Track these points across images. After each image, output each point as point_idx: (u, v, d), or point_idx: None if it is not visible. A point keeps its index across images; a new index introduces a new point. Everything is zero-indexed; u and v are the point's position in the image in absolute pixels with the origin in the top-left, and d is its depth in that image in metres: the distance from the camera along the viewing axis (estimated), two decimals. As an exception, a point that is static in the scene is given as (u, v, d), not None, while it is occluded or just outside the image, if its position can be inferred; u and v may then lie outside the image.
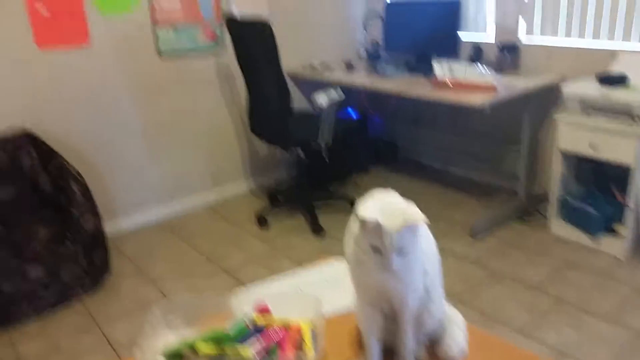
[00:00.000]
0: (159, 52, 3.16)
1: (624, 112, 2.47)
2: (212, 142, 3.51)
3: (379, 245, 0.91)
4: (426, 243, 1.03)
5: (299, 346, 1.13)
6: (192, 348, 1.11)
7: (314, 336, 1.14)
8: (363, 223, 0.92)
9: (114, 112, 3.07)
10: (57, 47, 2.81)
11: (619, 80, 2.52)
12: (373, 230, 0.91)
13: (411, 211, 0.92)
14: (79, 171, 2.62)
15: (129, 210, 3.25)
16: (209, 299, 1.36)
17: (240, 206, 3.49)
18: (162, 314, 1.24)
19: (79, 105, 2.95)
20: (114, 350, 2.17)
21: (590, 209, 2.67)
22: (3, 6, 2.63)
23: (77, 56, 2.88)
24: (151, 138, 3.25)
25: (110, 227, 3.10)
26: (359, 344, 1.16)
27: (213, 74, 3.40)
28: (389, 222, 0.90)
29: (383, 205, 0.94)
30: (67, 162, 2.65)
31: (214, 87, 3.43)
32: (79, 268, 2.51)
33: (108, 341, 2.22)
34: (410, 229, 0.91)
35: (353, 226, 0.98)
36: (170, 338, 1.17)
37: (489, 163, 3.51)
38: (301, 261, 2.73)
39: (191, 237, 3.10)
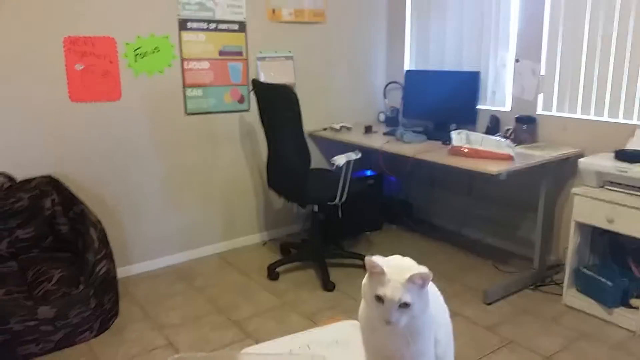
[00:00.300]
0: (186, 110, 3.28)
1: (641, 187, 2.48)
2: (230, 195, 3.57)
3: (382, 295, 0.93)
4: (438, 311, 1.03)
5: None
6: (199, 402, 1.11)
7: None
8: (369, 270, 0.95)
9: (138, 163, 3.16)
10: (88, 101, 2.94)
11: (636, 157, 2.53)
12: (378, 279, 0.94)
13: (420, 269, 0.95)
14: (99, 217, 2.67)
15: (142, 256, 3.28)
16: (218, 356, 1.36)
17: (252, 258, 3.50)
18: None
19: (105, 155, 3.05)
20: (117, 397, 2.15)
21: (606, 281, 2.63)
22: (45, 64, 2.78)
23: (106, 108, 3.00)
24: (171, 189, 3.32)
25: (122, 270, 3.12)
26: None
27: (236, 130, 3.51)
28: (394, 273, 0.93)
29: (393, 261, 0.98)
30: (88, 209, 2.71)
31: (236, 143, 3.52)
32: (89, 311, 2.51)
33: (112, 388, 2.20)
34: (416, 285, 0.93)
35: (364, 281, 1.00)
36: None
37: (504, 228, 3.50)
38: (310, 316, 2.70)
39: (202, 285, 3.10)
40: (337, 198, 2.96)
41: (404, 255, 1.02)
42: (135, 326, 2.67)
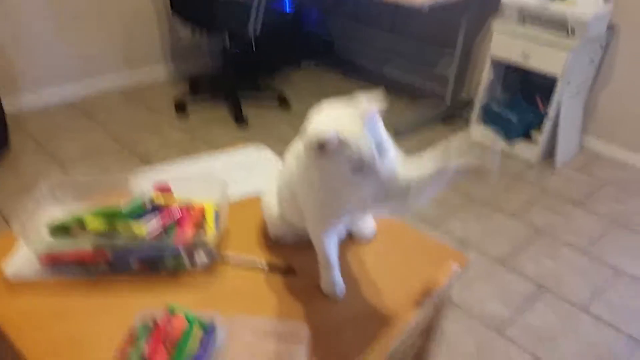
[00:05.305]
0: None
1: (559, 24, 2.45)
2: (127, 19, 3.17)
3: (358, 161, 0.75)
4: None
5: (200, 225, 1.07)
6: (81, 223, 1.02)
7: (217, 217, 1.08)
8: (323, 147, 0.74)
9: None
10: None
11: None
12: (341, 149, 0.74)
13: (359, 103, 0.78)
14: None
15: (33, 87, 2.95)
16: (104, 176, 1.25)
17: (158, 92, 3.26)
18: (50, 189, 1.13)
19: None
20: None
21: (512, 115, 2.72)
22: None
23: None
24: (58, 8, 2.88)
25: (11, 102, 2.82)
26: (264, 227, 1.11)
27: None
28: (350, 131, 0.74)
29: (331, 117, 0.78)
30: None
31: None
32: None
33: (4, 219, 2.08)
34: (374, 122, 0.77)
35: (306, 162, 0.83)
36: (57, 214, 1.07)
37: (423, 66, 3.45)
38: (222, 149, 2.63)
39: (103, 120, 2.89)
40: (251, 29, 2.72)
41: (321, 95, 0.84)
42: (29, 159, 2.48)
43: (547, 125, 2.61)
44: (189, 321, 0.83)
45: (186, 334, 0.80)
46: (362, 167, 0.75)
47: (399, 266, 1.04)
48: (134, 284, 0.96)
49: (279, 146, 1.34)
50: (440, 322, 0.97)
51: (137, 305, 0.89)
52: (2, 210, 2.13)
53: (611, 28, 2.58)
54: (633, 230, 2.24)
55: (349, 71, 3.73)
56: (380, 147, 0.76)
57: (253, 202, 1.14)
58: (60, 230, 1.02)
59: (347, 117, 0.75)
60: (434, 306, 0.91)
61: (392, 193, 0.83)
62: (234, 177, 1.30)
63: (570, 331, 1.74)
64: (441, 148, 0.81)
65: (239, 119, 2.90)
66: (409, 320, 0.79)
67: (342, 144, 0.73)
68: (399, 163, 0.85)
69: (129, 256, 0.98)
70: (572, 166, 2.71)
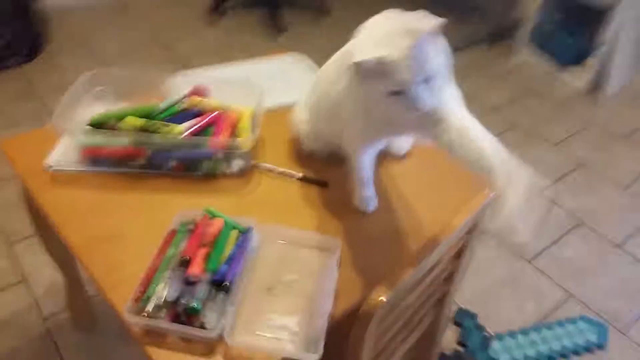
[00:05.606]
0: None
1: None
2: None
3: (397, 87, 0.69)
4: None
5: (236, 130, 1.07)
6: (120, 119, 1.03)
7: (253, 123, 1.07)
8: (359, 69, 0.69)
9: None
10: None
11: None
12: (378, 71, 0.68)
13: (414, 23, 0.69)
14: None
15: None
16: (145, 74, 1.24)
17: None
18: (90, 84, 1.13)
19: None
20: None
21: (566, 37, 2.56)
22: None
23: None
24: None
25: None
26: (296, 139, 1.09)
27: None
28: (393, 52, 0.67)
29: (378, 34, 0.71)
30: None
31: None
32: (9, 32, 2.28)
33: (48, 113, 2.12)
34: (423, 45, 0.68)
35: (349, 83, 0.80)
36: (97, 109, 1.08)
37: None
38: (259, 56, 2.58)
39: (139, 18, 2.84)
40: None
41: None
42: (69, 55, 2.49)
43: (603, 51, 2.46)
44: (226, 223, 0.85)
45: (223, 234, 0.82)
46: (398, 92, 0.70)
47: (433, 188, 1.03)
48: (171, 183, 0.98)
49: (316, 55, 1.29)
50: (472, 246, 0.97)
51: (174, 204, 0.92)
52: (45, 104, 2.17)
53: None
54: (677, 169, 2.16)
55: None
56: (426, 74, 0.70)
57: (289, 112, 1.12)
58: (101, 125, 1.03)
59: (394, 36, 0.68)
60: (467, 229, 0.91)
61: (426, 123, 0.78)
62: (270, 86, 1.27)
63: (602, 266, 1.72)
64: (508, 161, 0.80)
65: (278, 25, 2.81)
66: (440, 239, 0.79)
67: (380, 65, 0.68)
68: (451, 103, 0.79)
69: (167, 155, 0.99)
70: (621, 99, 2.57)
